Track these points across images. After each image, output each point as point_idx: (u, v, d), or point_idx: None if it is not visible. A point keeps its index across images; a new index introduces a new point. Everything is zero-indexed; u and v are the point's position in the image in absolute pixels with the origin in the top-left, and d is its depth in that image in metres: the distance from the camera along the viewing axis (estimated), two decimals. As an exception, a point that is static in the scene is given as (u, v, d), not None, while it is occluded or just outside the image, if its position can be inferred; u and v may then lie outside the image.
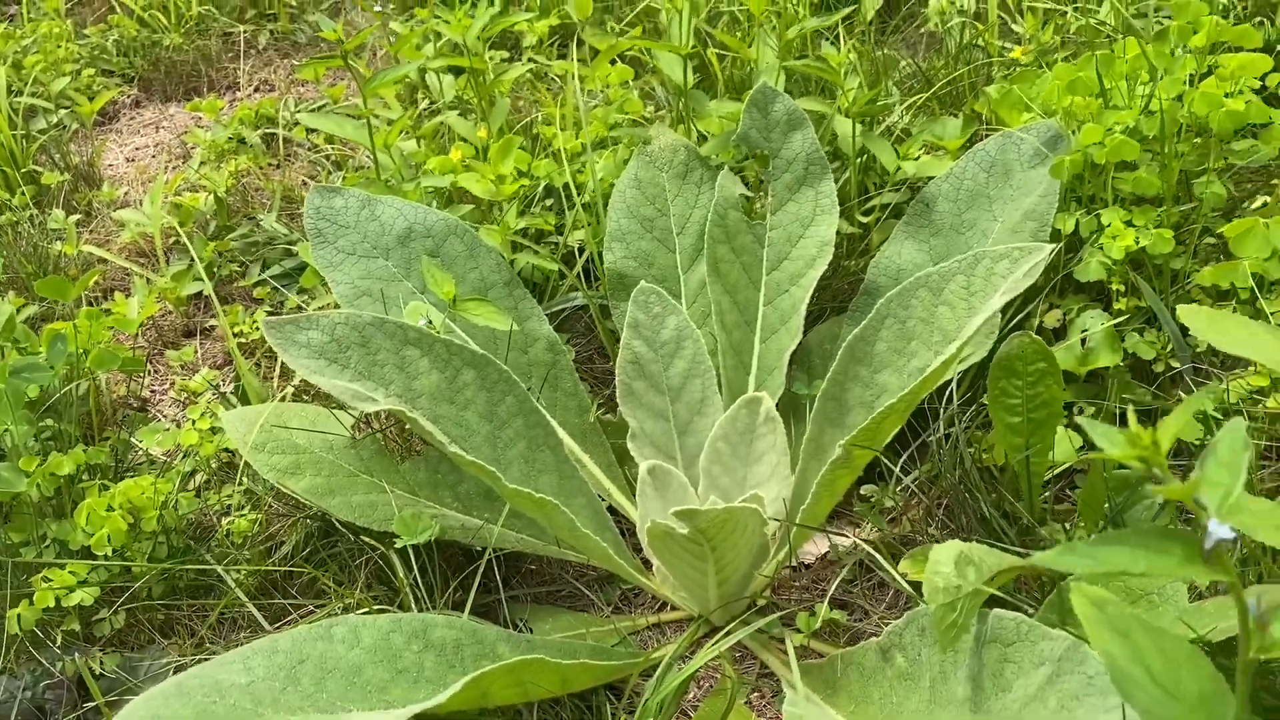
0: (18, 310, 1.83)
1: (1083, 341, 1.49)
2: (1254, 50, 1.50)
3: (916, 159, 1.76)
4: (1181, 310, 1.03)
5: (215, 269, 2.18)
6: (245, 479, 1.57)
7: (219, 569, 1.47)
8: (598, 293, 1.80)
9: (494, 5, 2.85)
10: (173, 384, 2.00)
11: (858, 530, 1.57)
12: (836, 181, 1.83)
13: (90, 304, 2.17)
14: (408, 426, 1.50)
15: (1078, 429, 1.41)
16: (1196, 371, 1.47)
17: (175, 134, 2.86)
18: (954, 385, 1.49)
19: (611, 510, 1.60)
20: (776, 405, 1.63)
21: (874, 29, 2.37)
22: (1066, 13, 2.08)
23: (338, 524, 1.46)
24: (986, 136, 1.72)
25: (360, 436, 1.52)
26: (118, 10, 3.17)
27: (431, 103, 2.43)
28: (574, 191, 1.82)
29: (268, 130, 2.62)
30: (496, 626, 1.36)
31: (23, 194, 2.38)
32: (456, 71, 2.33)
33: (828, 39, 2.15)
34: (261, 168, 2.47)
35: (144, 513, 1.45)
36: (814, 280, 1.64)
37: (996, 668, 1.09)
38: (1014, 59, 1.85)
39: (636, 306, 1.59)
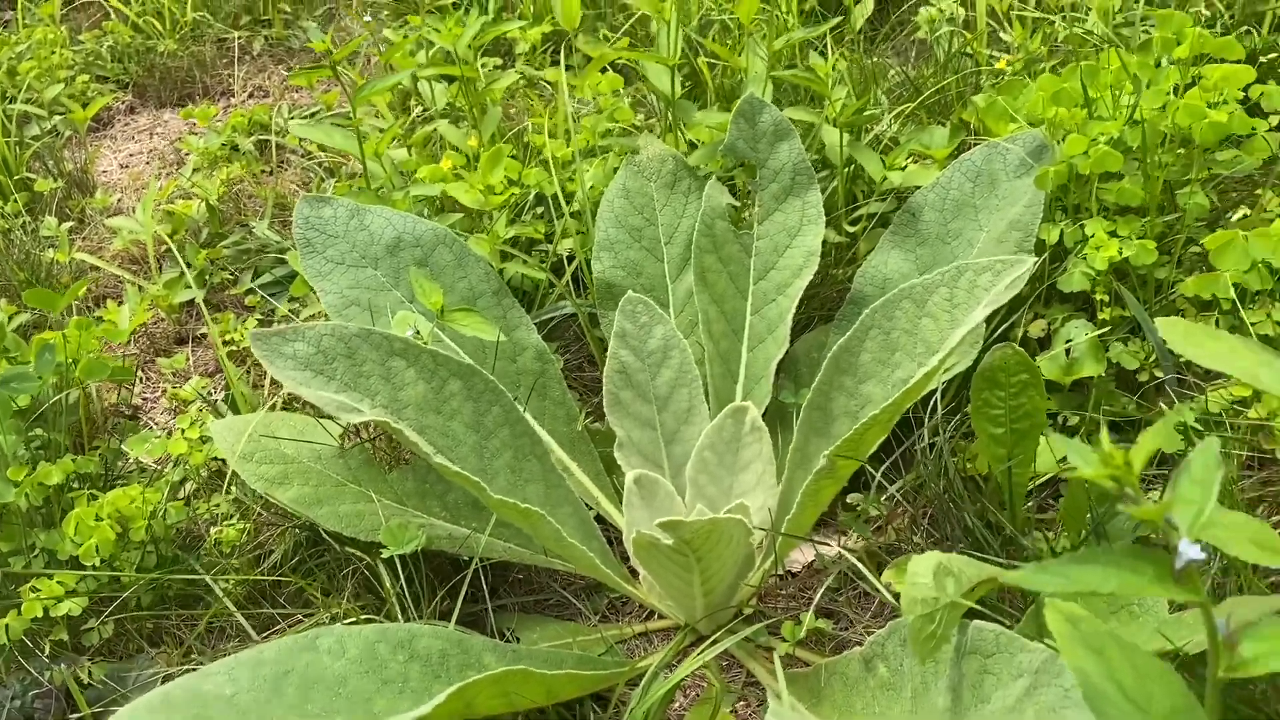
0: (9, 318, 1.84)
1: (1067, 351, 1.50)
2: (1237, 62, 1.51)
3: (903, 169, 1.77)
4: (1160, 323, 1.04)
5: (207, 276, 2.18)
6: (234, 488, 1.58)
7: (208, 578, 1.48)
8: (587, 301, 1.81)
9: (487, 13, 2.86)
10: (164, 391, 2.00)
11: (844, 539, 1.58)
12: (824, 190, 1.84)
13: (83, 311, 2.18)
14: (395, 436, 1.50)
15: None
16: (1181, 383, 1.48)
17: (169, 140, 2.86)
18: (938, 395, 1.49)
19: (600, 519, 1.61)
20: (764, 414, 1.64)
21: (864, 37, 2.38)
22: (1055, 21, 2.08)
23: (325, 534, 1.47)
24: (974, 145, 1.73)
25: (348, 446, 1.53)
26: (113, 16, 3.18)
27: (424, 109, 2.43)
28: (562, 201, 1.82)
29: (261, 137, 2.63)
30: (483, 636, 1.37)
31: (15, 201, 2.38)
32: (450, 78, 2.34)
33: (816, 48, 2.16)
34: (255, 174, 2.48)
35: (132, 522, 1.45)
36: (800, 290, 1.65)
37: (976, 679, 1.10)
38: (1000, 69, 1.86)
39: (624, 316, 1.60)
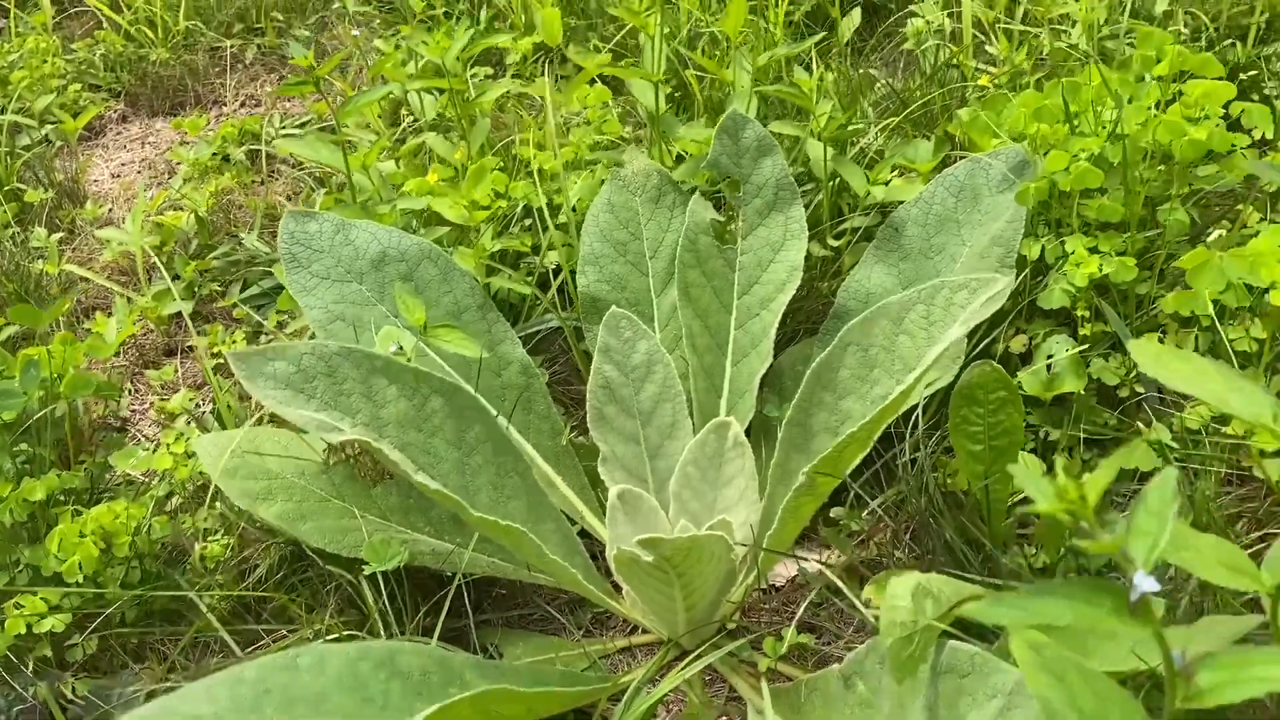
0: (-3, 331, 1.85)
1: (1048, 367, 1.51)
2: (1217, 78, 1.51)
3: (887, 183, 1.77)
4: (1132, 345, 1.04)
5: (196, 288, 2.19)
6: (219, 503, 1.58)
7: (192, 594, 1.48)
8: (573, 314, 1.81)
9: (478, 23, 2.87)
10: (153, 404, 2.01)
11: (827, 553, 1.59)
12: (810, 204, 1.85)
13: (73, 321, 2.19)
14: (379, 452, 1.51)
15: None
16: (1162, 399, 1.49)
17: (161, 150, 2.87)
18: (920, 410, 1.50)
19: (586, 533, 1.61)
20: (749, 428, 1.65)
21: (851, 48, 2.39)
22: (1040, 34, 2.09)
23: (308, 550, 1.48)
24: (959, 159, 1.73)
25: (332, 462, 1.54)
26: (105, 25, 3.19)
27: (415, 120, 2.44)
28: (546, 215, 1.83)
29: (252, 147, 2.63)
30: (465, 653, 1.37)
31: (5, 212, 2.39)
32: (441, 89, 2.35)
33: (802, 62, 2.17)
34: (247, 184, 2.48)
35: (116, 538, 1.46)
36: (784, 304, 1.66)
37: (951, 699, 1.11)
38: (982, 85, 1.86)
39: (608, 331, 1.60)
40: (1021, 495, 1.46)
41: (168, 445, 1.61)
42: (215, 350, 1.96)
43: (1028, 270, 1.58)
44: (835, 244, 1.81)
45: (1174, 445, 1.34)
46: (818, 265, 1.83)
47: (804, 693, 1.32)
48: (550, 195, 1.92)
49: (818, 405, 1.45)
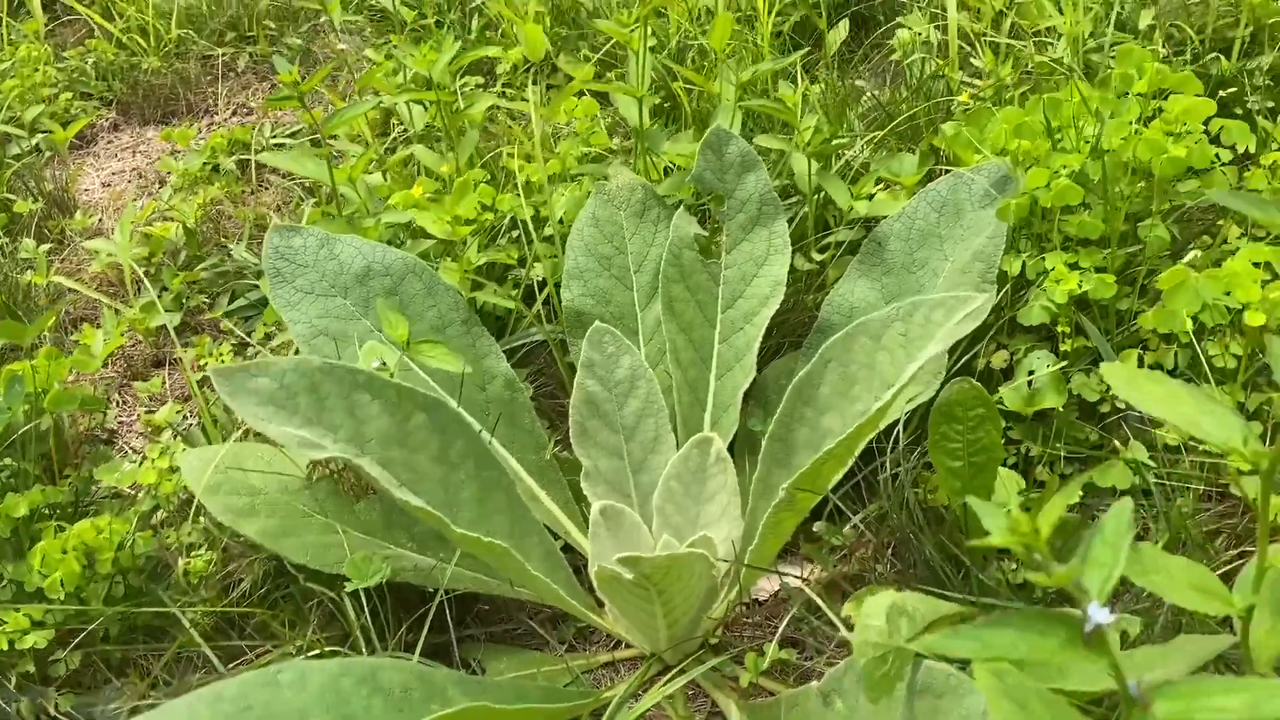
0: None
1: (1029, 383, 1.51)
2: (1198, 95, 1.52)
3: (871, 197, 1.78)
4: (1105, 369, 1.05)
5: (184, 300, 2.19)
6: (202, 518, 1.59)
7: (175, 610, 1.49)
8: (558, 327, 1.82)
9: (469, 32, 2.88)
10: (140, 416, 2.01)
11: (809, 568, 1.59)
12: (795, 217, 1.85)
13: (61, 332, 2.19)
14: (362, 467, 1.51)
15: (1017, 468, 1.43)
16: (1142, 418, 1.49)
17: (152, 159, 2.87)
18: (901, 425, 1.51)
19: (571, 548, 1.62)
20: (733, 442, 1.66)
21: (840, 58, 2.39)
22: (1026, 47, 2.10)
23: (290, 567, 1.48)
24: (944, 173, 1.74)
25: (316, 478, 1.54)
26: (97, 34, 3.19)
27: (404, 130, 2.44)
28: (531, 228, 1.83)
29: (243, 156, 2.64)
30: (447, 669, 1.37)
31: (-6, 222, 2.40)
32: (426, 101, 2.35)
33: (788, 75, 2.17)
34: (237, 194, 2.49)
35: (99, 554, 1.46)
36: (767, 318, 1.66)
37: (927, 718, 1.11)
38: (964, 101, 1.87)
39: (591, 346, 1.61)
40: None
41: (152, 460, 1.62)
42: (203, 362, 1.97)
43: (1009, 285, 1.58)
44: (820, 258, 1.82)
45: (1150, 464, 1.34)
46: (803, 278, 1.84)
47: (783, 709, 1.32)
48: (537, 207, 1.93)
49: (799, 421, 1.46)
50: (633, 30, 1.81)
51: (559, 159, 1.99)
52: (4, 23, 3.17)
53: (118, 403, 2.07)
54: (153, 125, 3.04)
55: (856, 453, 1.43)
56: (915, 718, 1.12)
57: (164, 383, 2.09)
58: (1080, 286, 1.47)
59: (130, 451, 1.95)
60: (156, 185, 2.73)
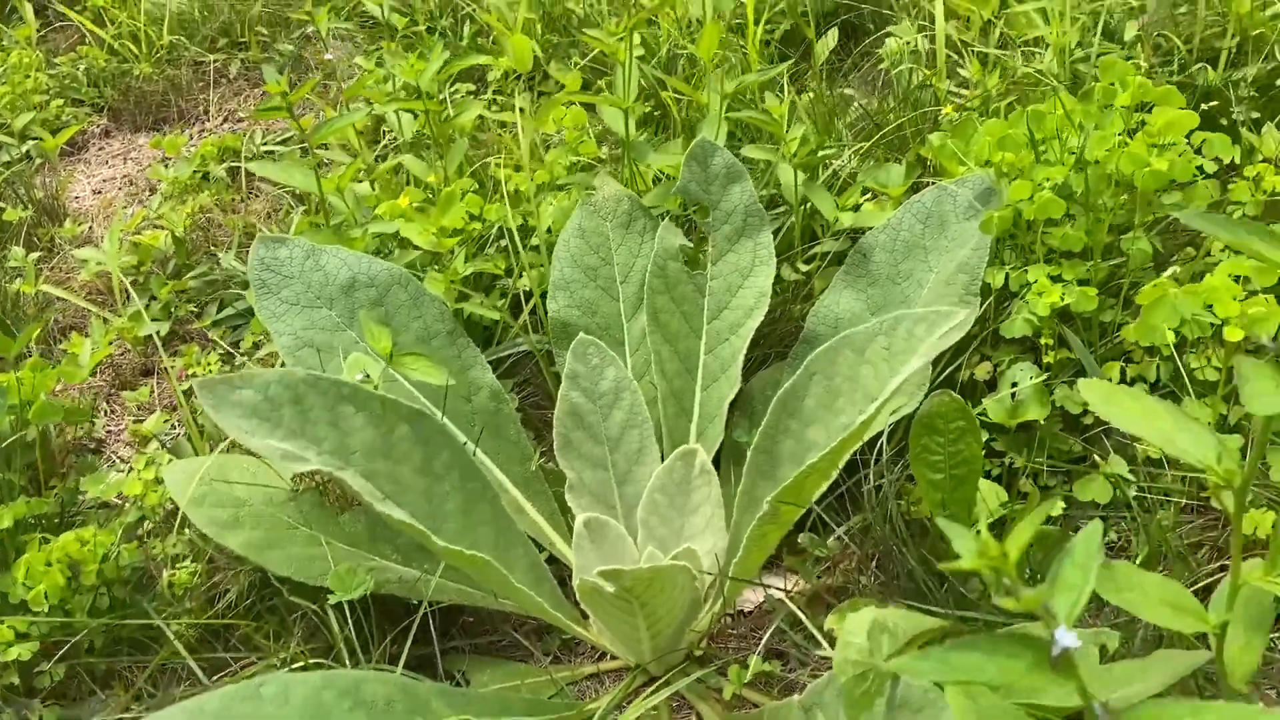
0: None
1: (1012, 395, 1.51)
2: (1180, 109, 1.53)
3: (857, 208, 1.78)
4: (1081, 384, 1.05)
5: (172, 309, 2.19)
6: (188, 529, 1.59)
7: (159, 621, 1.49)
8: (544, 338, 1.82)
9: (461, 38, 2.88)
10: (128, 425, 2.01)
11: (793, 579, 1.59)
12: (781, 228, 1.86)
13: (49, 341, 2.19)
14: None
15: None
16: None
17: (143, 166, 2.87)
18: (884, 437, 1.51)
19: (557, 559, 1.62)
20: (719, 452, 1.66)
21: (829, 66, 2.40)
22: (1014, 57, 2.10)
23: (274, 579, 1.48)
24: (931, 183, 1.74)
25: (301, 489, 1.54)
26: (89, 40, 3.19)
27: (394, 138, 2.45)
28: (517, 239, 1.84)
29: (233, 164, 2.64)
30: (431, 681, 1.38)
31: (-16, 231, 2.40)
32: (414, 110, 2.35)
33: (776, 85, 2.17)
34: (226, 202, 2.49)
35: (83, 566, 1.46)
36: (752, 329, 1.67)
37: (905, 733, 1.12)
38: (948, 114, 1.87)
39: (575, 358, 1.61)
40: (986, 522, 1.47)
41: (138, 471, 1.62)
42: (191, 372, 1.97)
43: (992, 298, 1.58)
44: (806, 268, 1.82)
45: (1130, 478, 1.35)
46: (790, 289, 1.84)
47: (766, 722, 1.33)
48: (526, 217, 1.93)
49: (784, 433, 1.46)
50: (620, 40, 1.82)
51: (547, 169, 2.00)
52: (-5, 29, 3.17)
53: (106, 412, 2.07)
54: (144, 132, 3.04)
55: (840, 465, 1.43)
56: (894, 732, 1.13)
57: (152, 392, 2.09)
58: (1062, 299, 1.48)
59: (118, 461, 1.96)
60: (147, 193, 2.73)
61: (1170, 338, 1.39)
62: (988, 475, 1.52)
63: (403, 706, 1.32)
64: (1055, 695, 1.03)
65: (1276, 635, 1.32)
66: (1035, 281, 1.50)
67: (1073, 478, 1.51)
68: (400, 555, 1.53)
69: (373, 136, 2.59)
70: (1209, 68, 1.94)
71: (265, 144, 2.75)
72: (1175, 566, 1.35)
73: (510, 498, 1.62)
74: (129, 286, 2.07)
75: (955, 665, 0.68)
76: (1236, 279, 1.35)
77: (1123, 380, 1.49)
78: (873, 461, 1.51)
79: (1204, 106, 1.67)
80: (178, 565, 1.54)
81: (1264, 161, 1.67)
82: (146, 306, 2.17)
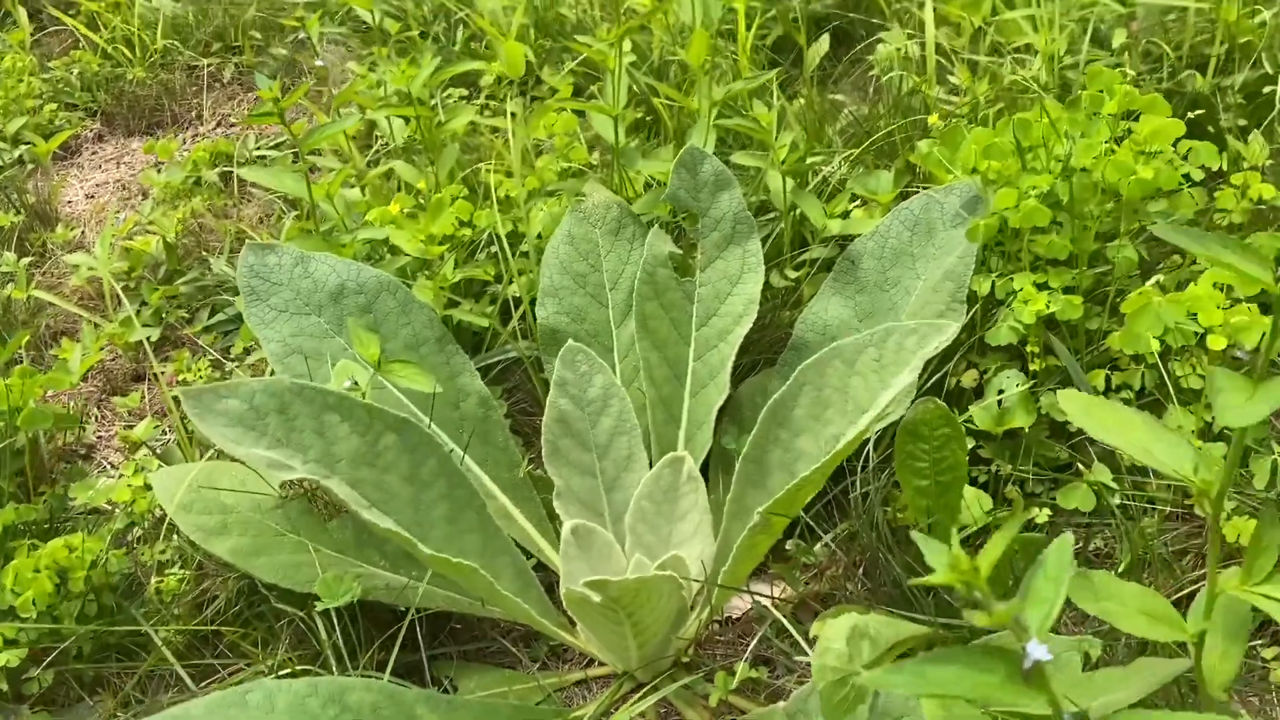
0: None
1: (999, 402, 1.52)
2: (1167, 117, 1.53)
3: (846, 214, 1.79)
4: (1061, 396, 1.06)
5: (163, 314, 2.20)
6: (176, 535, 1.59)
7: (147, 628, 1.49)
8: (533, 345, 1.82)
9: (454, 43, 2.88)
10: (118, 431, 2.02)
11: (780, 586, 1.60)
12: (770, 234, 1.86)
13: (41, 347, 2.19)
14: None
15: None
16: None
17: (135, 170, 2.88)
18: (871, 445, 1.51)
19: (544, 566, 1.62)
20: (707, 459, 1.66)
21: (819, 74, 2.40)
22: (1004, 64, 2.11)
23: (262, 586, 1.48)
24: (920, 189, 1.75)
25: (288, 496, 1.54)
26: (83, 44, 3.19)
27: (386, 143, 2.45)
28: (505, 246, 1.84)
29: (226, 168, 2.64)
30: (417, 688, 1.38)
31: (-24, 236, 2.40)
32: (405, 116, 2.35)
33: (766, 91, 2.18)
34: (219, 207, 2.49)
35: (72, 573, 1.46)
36: (741, 336, 1.67)
37: (888, 741, 1.12)
38: (933, 123, 1.88)
39: (563, 365, 1.61)
40: (973, 529, 1.48)
41: (127, 477, 1.62)
42: (181, 377, 1.97)
43: (978, 305, 1.59)
44: (795, 275, 1.83)
45: (1113, 486, 1.35)
46: (779, 295, 1.85)
47: (751, 729, 1.33)
48: (516, 223, 1.93)
49: (773, 442, 1.47)
50: (611, 46, 1.82)
51: (537, 175, 2.00)
52: (-11, 33, 3.17)
53: (97, 417, 2.08)
54: (137, 136, 3.05)
55: (829, 476, 1.43)
56: (877, 740, 1.13)
57: (143, 398, 2.09)
58: (1048, 307, 1.48)
59: (108, 466, 1.96)
60: (140, 197, 2.73)
61: (1155, 346, 1.40)
62: (973, 482, 1.52)
63: (389, 713, 1.32)
64: (1029, 707, 1.04)
65: (1256, 643, 1.32)
66: (1021, 289, 1.50)
67: (1059, 485, 1.51)
68: (388, 562, 1.54)
69: (365, 141, 2.59)
70: (1198, 74, 1.95)
71: (258, 149, 2.75)
72: (1159, 574, 1.36)
73: (498, 504, 1.63)
74: (120, 292, 2.07)
75: (930, 678, 0.68)
76: (1220, 288, 1.36)
77: (1108, 387, 1.50)
78: (859, 469, 1.51)
79: (1191, 114, 1.68)
80: (166, 572, 1.55)
81: (1251, 169, 1.68)
82: (137, 312, 2.18)
